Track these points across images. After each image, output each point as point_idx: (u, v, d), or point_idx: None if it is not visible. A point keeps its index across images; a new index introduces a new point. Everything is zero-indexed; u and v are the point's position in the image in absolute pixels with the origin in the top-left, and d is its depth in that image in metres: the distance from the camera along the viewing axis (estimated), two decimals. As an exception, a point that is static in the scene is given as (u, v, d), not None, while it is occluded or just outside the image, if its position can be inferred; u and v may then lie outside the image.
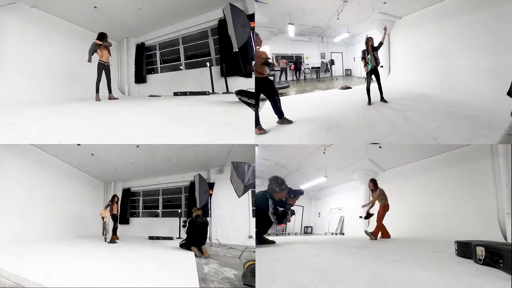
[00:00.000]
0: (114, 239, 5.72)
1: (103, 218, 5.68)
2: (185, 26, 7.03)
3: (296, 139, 3.89)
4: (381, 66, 5.99)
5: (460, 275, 2.44)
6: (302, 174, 7.35)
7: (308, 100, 6.07)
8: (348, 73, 8.10)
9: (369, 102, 5.01)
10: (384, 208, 5.21)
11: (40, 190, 5.71)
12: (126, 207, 7.64)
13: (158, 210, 7.65)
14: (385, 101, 5.00)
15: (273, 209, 4.37)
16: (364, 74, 5.29)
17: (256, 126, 3.92)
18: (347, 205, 7.60)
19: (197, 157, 6.15)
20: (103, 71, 5.76)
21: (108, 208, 5.76)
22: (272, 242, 4.45)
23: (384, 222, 5.20)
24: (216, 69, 6.51)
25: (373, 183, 5.44)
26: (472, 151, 4.66)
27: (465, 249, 3.02)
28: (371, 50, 5.04)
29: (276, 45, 7.24)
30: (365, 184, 7.16)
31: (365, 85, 5.10)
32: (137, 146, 5.34)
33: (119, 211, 6.07)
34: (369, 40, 5.07)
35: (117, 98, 6.12)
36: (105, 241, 5.58)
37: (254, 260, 2.86)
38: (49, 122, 3.94)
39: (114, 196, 6.03)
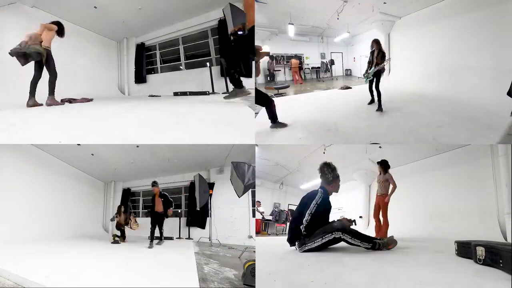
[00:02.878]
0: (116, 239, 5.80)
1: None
2: (185, 26, 7.03)
3: (296, 139, 3.90)
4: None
5: (460, 275, 2.44)
6: (302, 174, 7.34)
7: (308, 100, 6.08)
8: (348, 73, 8.10)
9: (372, 101, 4.80)
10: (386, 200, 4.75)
11: (40, 190, 5.71)
12: (126, 207, 7.64)
13: (158, 210, 7.64)
14: (382, 110, 4.54)
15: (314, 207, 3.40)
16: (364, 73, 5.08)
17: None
18: (347, 205, 7.60)
19: (197, 157, 6.16)
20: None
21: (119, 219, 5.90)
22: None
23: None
24: (216, 69, 6.51)
25: (384, 166, 4.76)
26: (472, 151, 4.66)
27: (465, 249, 3.02)
28: (376, 55, 4.69)
29: (276, 45, 7.24)
30: (365, 184, 7.16)
31: (365, 86, 5.05)
32: (137, 146, 5.34)
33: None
34: (375, 43, 4.72)
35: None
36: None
37: (254, 260, 2.86)
38: (49, 122, 3.94)
39: (120, 206, 6.19)
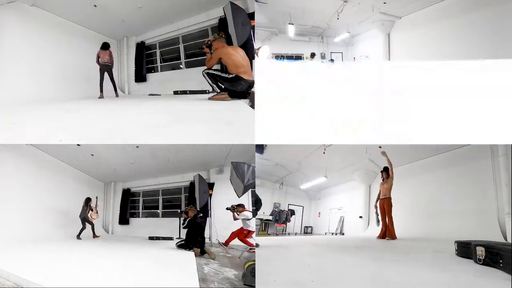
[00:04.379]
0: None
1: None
2: (186, 25, 7.01)
3: (296, 139, 3.89)
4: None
5: (460, 275, 2.44)
6: (302, 174, 7.34)
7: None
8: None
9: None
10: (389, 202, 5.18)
11: (40, 190, 5.70)
12: (126, 207, 7.62)
13: (158, 210, 7.64)
14: None
15: None
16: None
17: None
18: (347, 205, 7.60)
19: (197, 157, 6.14)
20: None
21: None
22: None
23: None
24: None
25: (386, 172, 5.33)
26: (472, 151, 4.66)
27: (465, 249, 3.03)
28: None
29: (276, 45, 7.23)
30: (365, 184, 7.16)
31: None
32: (137, 146, 5.33)
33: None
34: None
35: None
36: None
37: (254, 260, 2.86)
38: (49, 121, 3.93)
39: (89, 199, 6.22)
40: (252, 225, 5.02)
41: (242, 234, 4.96)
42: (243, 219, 4.94)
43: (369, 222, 6.65)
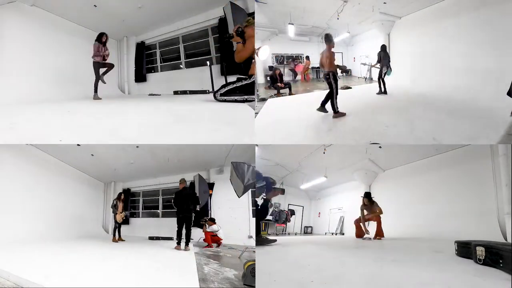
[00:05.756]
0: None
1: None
2: (185, 25, 7.02)
3: (296, 139, 3.89)
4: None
5: (460, 275, 2.44)
6: (302, 174, 7.34)
7: (308, 100, 6.07)
8: (348, 73, 8.09)
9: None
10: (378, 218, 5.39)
11: (40, 190, 5.70)
12: (126, 207, 7.63)
13: (158, 210, 7.65)
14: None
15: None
16: (365, 74, 5.22)
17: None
18: (347, 205, 7.59)
19: (197, 157, 6.15)
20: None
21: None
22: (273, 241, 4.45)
23: (385, 221, 5.23)
24: (216, 68, 6.50)
25: (368, 198, 5.51)
26: (472, 151, 4.66)
27: (465, 249, 3.03)
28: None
29: (276, 45, 7.23)
30: (365, 185, 7.16)
31: (365, 85, 5.10)
32: (137, 146, 5.33)
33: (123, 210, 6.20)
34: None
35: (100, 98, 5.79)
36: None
37: (254, 260, 2.86)
38: (49, 121, 3.94)
39: (121, 193, 6.19)
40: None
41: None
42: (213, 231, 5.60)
43: (369, 222, 6.64)
